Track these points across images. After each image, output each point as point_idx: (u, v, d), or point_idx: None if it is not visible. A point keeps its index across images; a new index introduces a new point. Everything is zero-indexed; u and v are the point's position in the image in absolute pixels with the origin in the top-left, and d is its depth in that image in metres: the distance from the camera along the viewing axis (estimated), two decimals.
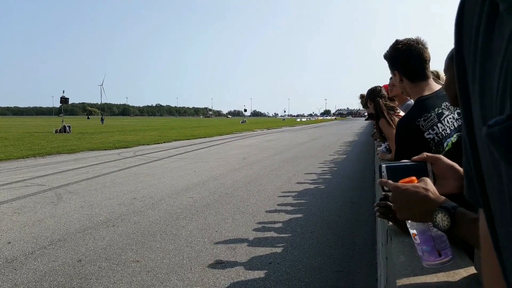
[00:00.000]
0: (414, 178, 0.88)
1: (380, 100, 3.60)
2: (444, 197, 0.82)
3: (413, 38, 1.78)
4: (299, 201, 6.50)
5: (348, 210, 5.95)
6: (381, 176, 0.98)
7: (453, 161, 1.37)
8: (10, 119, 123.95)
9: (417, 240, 0.85)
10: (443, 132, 1.67)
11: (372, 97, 3.77)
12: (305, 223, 5.16)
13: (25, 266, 3.70)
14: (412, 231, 0.86)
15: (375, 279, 3.37)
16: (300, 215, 5.57)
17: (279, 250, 4.15)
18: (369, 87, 4.22)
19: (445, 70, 1.27)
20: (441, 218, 0.77)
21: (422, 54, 1.75)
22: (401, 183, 0.88)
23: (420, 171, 0.96)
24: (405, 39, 1.79)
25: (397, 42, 1.79)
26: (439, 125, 1.68)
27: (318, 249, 4.21)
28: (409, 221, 0.86)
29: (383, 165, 0.99)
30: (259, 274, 3.53)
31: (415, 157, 1.01)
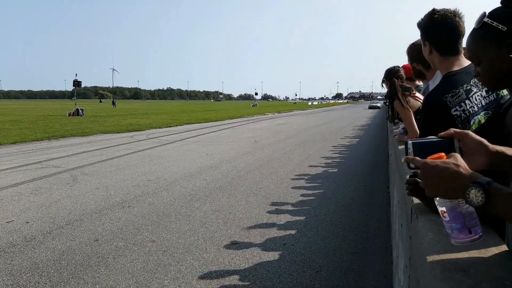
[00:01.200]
0: (443, 154, 0.85)
1: (396, 80, 3.53)
2: (475, 172, 0.79)
3: (451, 9, 1.70)
4: (312, 184, 6.48)
5: (361, 193, 5.92)
6: (407, 153, 0.95)
7: (485, 137, 1.32)
8: (24, 102, 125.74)
9: (446, 217, 0.82)
10: (470, 109, 1.62)
11: (389, 76, 3.70)
12: (318, 206, 5.15)
13: (44, 245, 3.78)
14: (441, 209, 0.83)
15: (390, 261, 3.36)
16: (314, 198, 5.57)
17: (293, 232, 4.16)
18: (385, 69, 4.14)
19: (477, 55, 1.20)
20: (475, 194, 0.74)
21: (457, 28, 1.68)
22: (429, 159, 0.85)
23: (447, 147, 0.93)
24: (442, 9, 1.71)
25: (433, 12, 1.72)
26: (467, 101, 1.62)
27: (332, 231, 4.21)
28: (437, 198, 0.83)
29: (409, 142, 0.96)
30: (274, 255, 3.55)
31: (442, 133, 0.98)
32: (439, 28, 1.71)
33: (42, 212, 4.84)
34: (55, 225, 4.36)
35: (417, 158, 0.88)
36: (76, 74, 29.14)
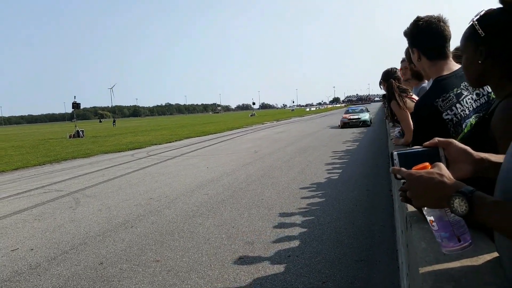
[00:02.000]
0: (427, 164, 0.86)
1: (393, 81, 3.55)
2: (459, 182, 0.80)
3: (435, 15, 1.73)
4: (314, 191, 6.47)
5: (364, 198, 5.91)
6: (393, 164, 0.96)
7: (473, 142, 1.33)
8: (25, 127, 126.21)
9: (435, 226, 0.83)
10: (461, 113, 1.63)
11: (386, 78, 3.72)
12: (322, 214, 5.14)
13: (49, 272, 3.77)
14: (429, 218, 0.84)
15: (396, 266, 3.34)
16: (316, 206, 5.55)
17: (297, 242, 4.14)
18: (381, 71, 4.17)
19: (462, 51, 1.23)
20: (459, 203, 0.75)
21: (442, 32, 1.71)
22: (414, 170, 0.86)
23: (432, 156, 0.94)
24: (426, 16, 1.75)
25: (417, 19, 1.76)
26: (458, 105, 1.64)
27: (336, 239, 4.20)
28: (425, 208, 0.84)
29: (395, 153, 0.97)
30: (279, 268, 3.54)
31: (426, 143, 0.99)
32: (424, 34, 1.74)
33: (46, 238, 4.83)
34: (59, 251, 4.36)
35: (403, 169, 0.89)
36: (74, 97, 29.22)
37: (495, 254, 0.89)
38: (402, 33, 1.87)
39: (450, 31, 1.75)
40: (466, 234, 0.81)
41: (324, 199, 5.92)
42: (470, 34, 1.15)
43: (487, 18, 1.09)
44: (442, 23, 1.72)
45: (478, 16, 1.12)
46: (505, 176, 0.79)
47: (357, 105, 43.31)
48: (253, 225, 4.82)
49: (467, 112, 1.64)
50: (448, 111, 1.64)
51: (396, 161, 0.95)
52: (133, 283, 3.40)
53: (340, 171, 8.25)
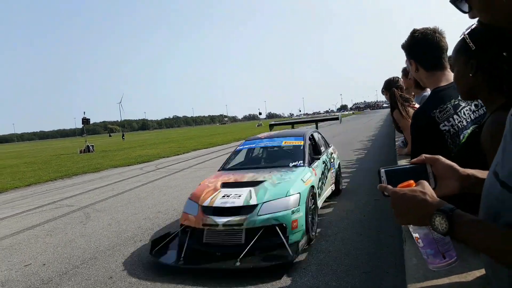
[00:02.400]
0: (412, 182, 0.87)
1: (396, 90, 3.57)
2: (441, 200, 0.81)
3: (431, 27, 1.77)
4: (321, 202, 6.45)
5: (372, 207, 5.88)
6: (380, 181, 0.96)
7: (465, 155, 1.35)
8: (37, 143, 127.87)
9: (420, 243, 0.84)
10: (459, 124, 1.63)
11: (388, 87, 3.74)
12: (329, 225, 5.14)
13: (60, 286, 3.85)
14: (415, 235, 0.85)
15: (404, 278, 3.33)
16: (324, 217, 5.55)
17: (304, 254, 4.14)
18: (385, 78, 4.20)
19: (454, 64, 1.26)
20: (439, 222, 0.76)
21: (438, 43, 1.73)
22: (399, 187, 0.87)
23: (419, 173, 0.94)
24: (422, 28, 1.78)
25: (414, 31, 1.79)
26: (455, 116, 1.64)
27: (343, 250, 4.19)
28: (411, 225, 0.85)
29: (382, 170, 0.97)
30: (286, 281, 3.55)
31: (414, 160, 1.00)
32: (420, 45, 1.77)
33: (58, 253, 4.91)
34: (70, 265, 4.43)
35: (389, 186, 0.90)
36: (84, 112, 29.69)
37: (484, 271, 0.91)
38: (399, 46, 1.91)
39: (446, 42, 1.77)
40: (451, 250, 0.82)
41: (331, 210, 5.92)
42: (461, 47, 1.18)
43: (477, 32, 1.11)
44: (438, 34, 1.75)
45: (469, 30, 1.15)
46: (486, 193, 0.81)
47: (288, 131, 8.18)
48: None
49: (464, 123, 1.65)
50: (445, 122, 1.64)
51: (384, 178, 0.96)
52: None
53: (348, 180, 8.22)
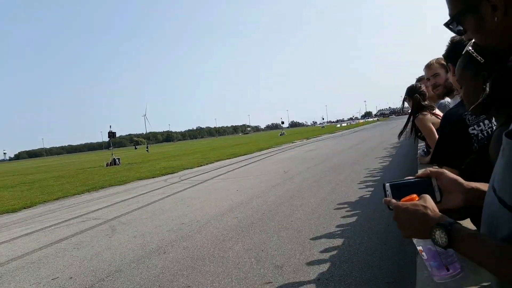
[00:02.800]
0: (414, 195, 0.89)
1: (419, 96, 3.51)
2: (442, 214, 0.83)
3: None
4: (344, 212, 6.38)
5: None
6: (385, 195, 0.98)
7: (479, 164, 1.33)
8: (65, 157, 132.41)
9: (424, 256, 0.86)
10: (488, 130, 1.61)
11: (411, 93, 3.67)
12: (352, 235, 5.06)
13: None
14: (419, 248, 0.87)
15: None
16: (347, 227, 5.47)
17: (327, 265, 4.10)
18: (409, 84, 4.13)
19: (460, 82, 1.25)
20: (439, 235, 0.79)
21: None
22: (402, 201, 0.89)
23: (424, 187, 0.96)
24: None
25: (453, 38, 1.81)
26: (486, 121, 1.62)
27: (367, 261, 4.12)
28: (414, 238, 0.87)
29: (387, 184, 0.99)
30: None
31: (419, 173, 1.02)
32: (458, 49, 1.77)
33: (84, 266, 5.04)
34: (96, 278, 4.53)
35: (393, 200, 0.93)
36: (110, 126, 30.67)
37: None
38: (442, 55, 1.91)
39: None
40: (455, 262, 0.83)
41: (355, 219, 5.83)
42: (468, 62, 1.18)
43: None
44: None
45: (471, 44, 1.15)
46: (486, 207, 0.82)
47: None
48: (282, 248, 4.82)
49: (494, 129, 1.63)
50: (475, 126, 1.62)
51: (389, 192, 0.98)
52: None
53: (372, 189, 8.10)
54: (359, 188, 8.31)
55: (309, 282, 3.72)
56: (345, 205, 6.82)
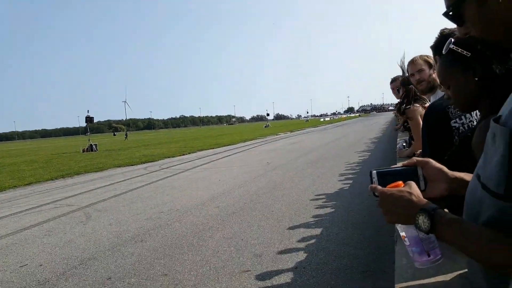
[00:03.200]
0: (400, 182, 0.91)
1: (414, 87, 3.51)
2: (426, 201, 0.84)
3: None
4: (324, 203, 6.43)
5: (374, 209, 5.82)
6: (372, 182, 1.00)
7: (461, 156, 1.34)
8: (39, 141, 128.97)
9: (407, 242, 0.88)
10: (469, 124, 1.64)
11: (407, 83, 3.65)
12: (330, 225, 5.09)
13: (57, 287, 3.82)
14: (402, 234, 0.89)
15: None
16: (326, 217, 5.51)
17: (304, 254, 4.11)
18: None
19: (448, 81, 1.24)
20: (422, 220, 0.80)
21: None
22: (387, 188, 0.91)
23: (410, 175, 0.98)
24: (451, 28, 1.79)
25: (443, 30, 1.82)
26: (467, 115, 1.65)
27: (344, 250, 4.15)
28: (398, 224, 0.89)
29: (374, 171, 1.01)
30: (286, 280, 3.51)
31: (405, 162, 1.04)
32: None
33: (56, 253, 4.90)
34: (68, 266, 4.41)
35: (378, 186, 0.94)
36: (88, 110, 29.88)
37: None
38: (429, 47, 1.90)
39: None
40: (436, 249, 0.85)
41: (333, 210, 5.87)
42: (454, 59, 1.17)
43: (464, 41, 1.12)
44: None
45: (453, 42, 1.14)
46: (469, 195, 0.83)
47: None
48: (262, 238, 4.80)
49: (475, 123, 1.64)
50: (457, 119, 1.65)
51: (375, 179, 1.00)
52: None
53: (351, 182, 8.18)
54: (339, 181, 8.39)
55: (287, 270, 3.72)
56: (325, 197, 6.87)
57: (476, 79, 1.13)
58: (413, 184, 0.89)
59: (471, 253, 0.74)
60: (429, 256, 0.85)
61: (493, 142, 0.71)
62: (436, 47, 1.81)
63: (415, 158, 1.03)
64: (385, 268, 3.62)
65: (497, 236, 0.68)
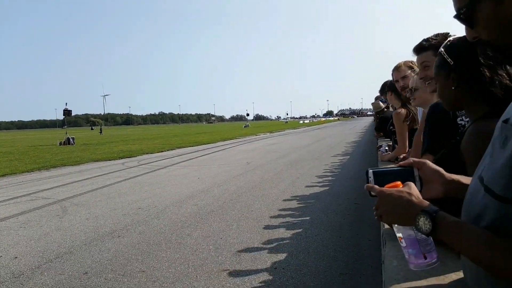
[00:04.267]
0: (399, 183, 0.89)
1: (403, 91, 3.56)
2: (427, 202, 0.83)
3: (443, 32, 1.83)
4: (303, 204, 6.49)
5: (352, 211, 5.94)
6: (368, 181, 0.99)
7: (445, 163, 1.38)
8: (15, 133, 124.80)
9: (403, 243, 0.86)
10: None
11: (393, 88, 3.67)
12: (309, 226, 5.15)
13: (32, 281, 3.72)
14: (398, 235, 0.87)
15: (380, 280, 3.36)
16: (305, 218, 5.57)
17: (284, 254, 4.15)
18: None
19: (435, 79, 1.27)
20: (423, 222, 0.79)
21: None
22: (386, 188, 0.89)
23: (406, 176, 0.97)
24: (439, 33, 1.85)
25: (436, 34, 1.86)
26: None
27: (322, 252, 4.21)
28: (395, 225, 0.88)
29: (370, 170, 1.00)
30: (264, 280, 3.53)
31: (402, 162, 1.03)
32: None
33: (31, 246, 4.77)
34: (43, 259, 4.30)
35: (376, 186, 0.93)
36: (66, 103, 28.95)
37: (462, 274, 0.92)
38: (411, 48, 1.95)
39: None
40: (432, 251, 0.84)
41: (312, 212, 5.94)
42: (441, 63, 1.21)
43: (453, 47, 1.15)
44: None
45: (445, 46, 1.18)
46: (469, 197, 0.83)
47: None
48: (241, 237, 4.81)
49: None
50: (464, 116, 1.65)
51: (371, 178, 0.98)
52: None
53: (330, 184, 8.29)
54: (318, 182, 8.49)
55: (266, 270, 3.75)
56: (304, 198, 6.93)
57: (453, 88, 1.17)
58: (412, 184, 0.88)
59: (473, 257, 0.73)
60: (425, 258, 0.84)
61: (503, 145, 0.70)
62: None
63: (411, 159, 1.02)
64: (364, 270, 3.70)
65: (501, 241, 0.67)
